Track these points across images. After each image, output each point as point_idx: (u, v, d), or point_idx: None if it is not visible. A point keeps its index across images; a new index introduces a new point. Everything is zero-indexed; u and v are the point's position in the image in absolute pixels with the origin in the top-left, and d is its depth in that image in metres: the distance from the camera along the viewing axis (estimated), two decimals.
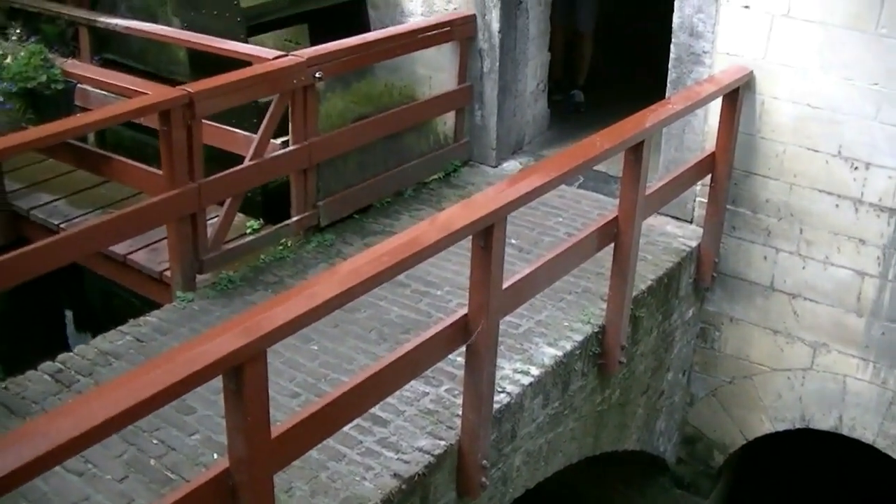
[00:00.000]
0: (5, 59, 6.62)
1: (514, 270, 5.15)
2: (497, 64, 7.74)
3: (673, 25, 6.83)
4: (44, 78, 6.44)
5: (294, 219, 6.61)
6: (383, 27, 7.94)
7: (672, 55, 6.90)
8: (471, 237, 4.37)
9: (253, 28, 7.32)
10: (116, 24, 7.37)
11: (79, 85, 6.68)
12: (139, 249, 6.52)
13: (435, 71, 7.96)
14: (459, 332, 4.53)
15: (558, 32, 8.74)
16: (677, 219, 7.20)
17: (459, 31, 7.64)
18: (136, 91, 6.10)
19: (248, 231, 6.64)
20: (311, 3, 8.09)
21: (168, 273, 6.19)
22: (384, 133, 7.15)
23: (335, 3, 8.05)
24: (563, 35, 8.99)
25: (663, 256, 6.73)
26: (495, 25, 7.65)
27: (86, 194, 7.38)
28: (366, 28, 8.09)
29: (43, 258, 5.43)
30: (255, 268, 6.37)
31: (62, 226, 6.93)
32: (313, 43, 8.26)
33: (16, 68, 6.46)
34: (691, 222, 7.16)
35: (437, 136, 7.85)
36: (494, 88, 7.81)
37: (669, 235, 7.02)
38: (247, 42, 7.10)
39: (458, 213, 4.44)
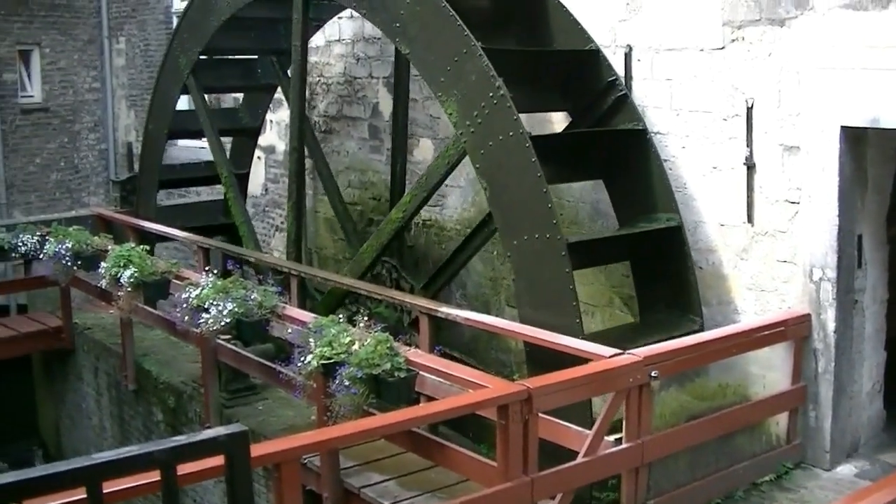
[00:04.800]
0: (353, 345, 6.98)
1: None
2: (832, 364, 7.55)
3: None
4: (388, 366, 6.71)
5: None
6: (715, 325, 7.96)
7: None
8: None
9: (573, 255, 7.44)
10: (457, 315, 7.68)
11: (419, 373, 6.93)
12: None
13: (768, 370, 7.83)
14: None
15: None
16: None
17: (793, 331, 7.53)
18: (475, 383, 6.28)
19: None
20: (629, 228, 8.26)
21: None
22: (717, 433, 7.02)
23: (651, 228, 8.14)
24: None
25: None
26: (831, 325, 7.51)
27: (416, 477, 7.51)
28: (685, 259, 8.14)
29: None
30: None
31: None
32: (637, 287, 8.47)
33: (363, 354, 6.79)
34: None
35: (770, 436, 7.63)
36: (829, 389, 7.58)
37: None
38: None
39: None
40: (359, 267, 9.62)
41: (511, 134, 7.60)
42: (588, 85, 8.78)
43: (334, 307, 9.89)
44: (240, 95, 14.06)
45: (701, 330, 8.06)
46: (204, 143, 13.40)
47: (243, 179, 13.01)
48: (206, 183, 13.01)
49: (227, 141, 13.21)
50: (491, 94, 7.70)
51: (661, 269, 8.32)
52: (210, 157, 12.42)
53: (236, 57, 13.92)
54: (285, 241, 11.42)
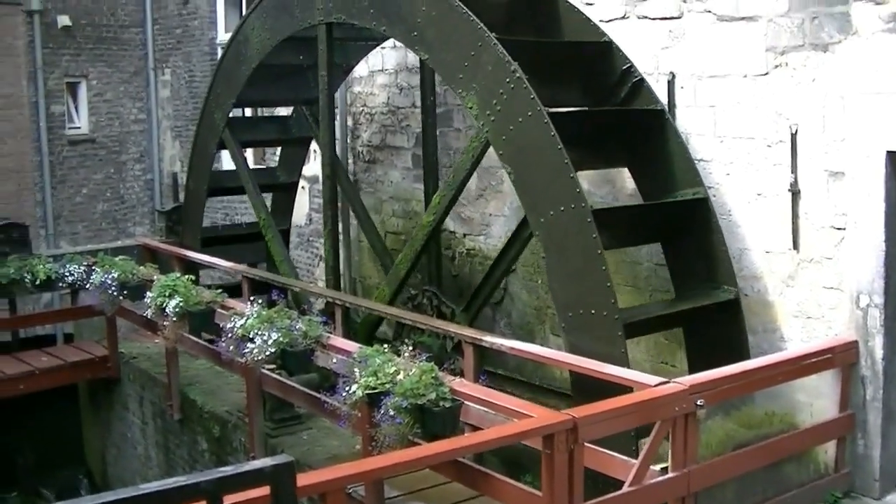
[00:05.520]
0: (398, 374, 6.99)
1: None
2: (881, 391, 7.47)
3: None
4: (433, 395, 6.70)
5: None
6: (762, 353, 7.90)
7: None
8: None
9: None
10: (502, 345, 7.68)
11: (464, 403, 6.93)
12: None
13: (815, 398, 7.76)
14: None
15: None
16: None
17: (841, 358, 7.46)
18: (520, 413, 6.27)
19: None
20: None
21: None
22: (764, 462, 6.96)
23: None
24: None
25: None
26: (879, 352, 7.44)
27: None
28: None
29: None
30: None
31: None
32: (669, 263, 8.52)
33: (408, 384, 6.79)
34: None
35: (818, 465, 7.54)
36: (878, 417, 7.49)
37: None
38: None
39: None
40: (396, 278, 9.72)
41: (530, 114, 7.72)
42: (604, 75, 8.91)
43: (372, 330, 10.07)
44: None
45: (736, 300, 8.10)
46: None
47: (284, 235, 13.02)
48: (248, 241, 13.02)
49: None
50: (508, 80, 7.86)
51: (690, 242, 8.37)
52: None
53: (271, 115, 14.37)
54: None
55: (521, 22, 9.18)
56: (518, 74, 7.76)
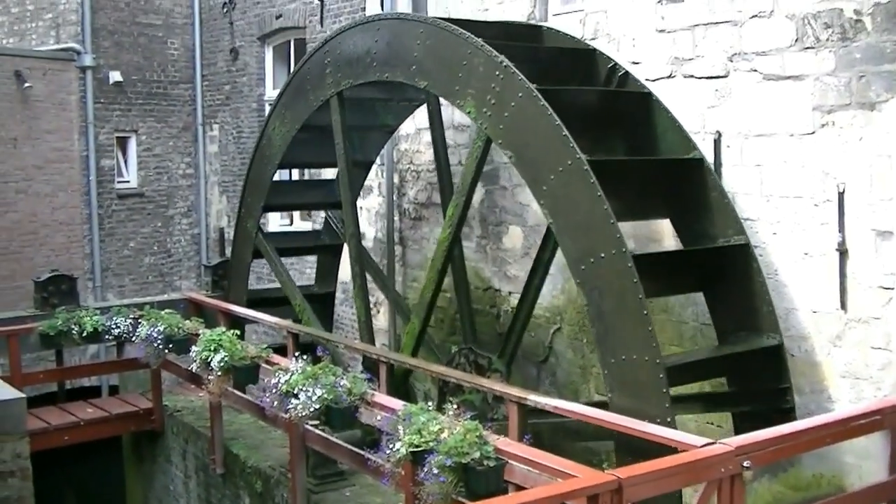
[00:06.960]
0: (442, 433, 6.97)
1: None
2: None
3: None
4: (477, 454, 6.69)
5: None
6: (809, 413, 7.81)
7: None
8: None
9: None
10: (546, 404, 7.63)
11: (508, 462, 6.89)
12: None
13: (864, 459, 7.65)
14: None
15: None
16: None
17: (890, 419, 7.29)
18: (564, 473, 6.23)
19: None
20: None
21: None
22: None
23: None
24: None
25: None
26: None
27: None
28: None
29: None
30: None
31: None
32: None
33: (452, 443, 6.77)
34: None
35: None
36: None
37: None
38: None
39: None
40: (422, 305, 9.80)
41: (521, 95, 8.05)
42: (592, 74, 9.42)
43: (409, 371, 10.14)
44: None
45: (746, 244, 8.25)
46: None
47: None
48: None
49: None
50: (498, 72, 8.27)
51: (691, 198, 8.63)
52: None
53: (303, 230, 15.04)
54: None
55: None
56: (505, 64, 8.17)
